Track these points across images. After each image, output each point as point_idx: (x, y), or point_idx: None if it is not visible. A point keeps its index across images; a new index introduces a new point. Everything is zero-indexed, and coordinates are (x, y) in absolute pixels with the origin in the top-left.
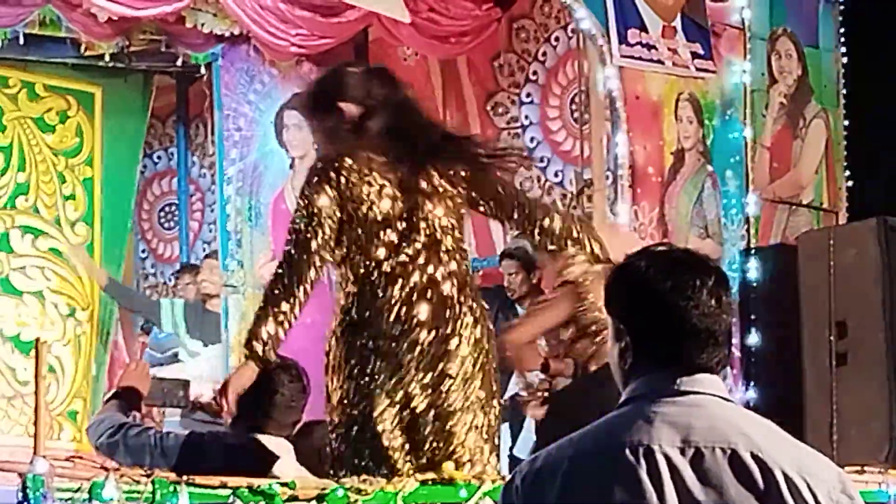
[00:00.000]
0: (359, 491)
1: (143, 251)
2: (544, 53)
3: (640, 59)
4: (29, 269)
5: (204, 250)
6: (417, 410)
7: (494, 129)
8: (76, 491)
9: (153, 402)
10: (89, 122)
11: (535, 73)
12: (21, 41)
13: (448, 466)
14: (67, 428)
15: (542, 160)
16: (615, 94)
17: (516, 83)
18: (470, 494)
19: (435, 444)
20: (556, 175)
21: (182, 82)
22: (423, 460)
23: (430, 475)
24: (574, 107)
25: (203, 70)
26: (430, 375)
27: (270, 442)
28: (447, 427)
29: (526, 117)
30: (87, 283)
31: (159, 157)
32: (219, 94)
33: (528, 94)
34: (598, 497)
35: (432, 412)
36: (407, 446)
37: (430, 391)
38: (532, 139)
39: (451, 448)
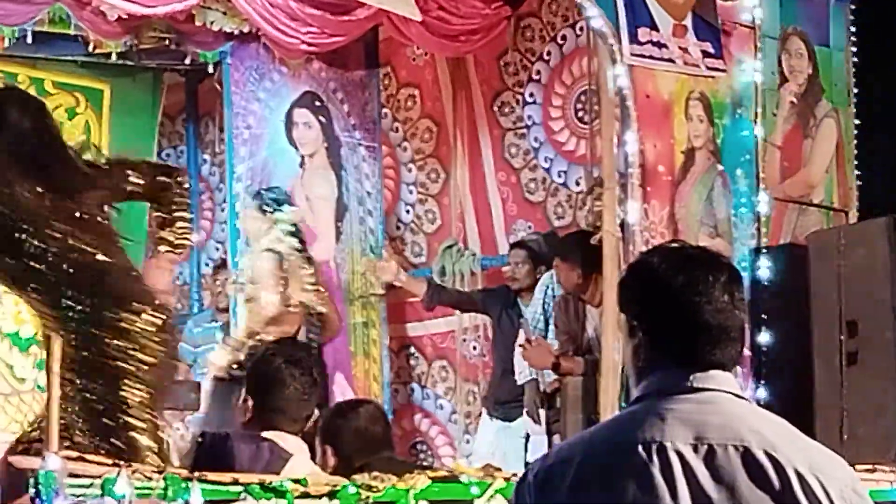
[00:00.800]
0: (370, 488)
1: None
2: (549, 52)
3: (650, 57)
4: None
5: (217, 249)
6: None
7: (500, 129)
8: (88, 487)
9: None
10: (97, 119)
11: (538, 72)
12: (30, 39)
13: (460, 464)
14: None
15: (546, 160)
16: (625, 93)
17: (520, 82)
18: (482, 491)
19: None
20: (559, 175)
21: (191, 80)
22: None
23: (442, 472)
24: (580, 105)
25: (212, 68)
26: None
27: (284, 440)
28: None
29: (529, 117)
30: None
31: (168, 155)
32: (228, 92)
33: (532, 94)
34: (610, 494)
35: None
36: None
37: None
38: (535, 139)
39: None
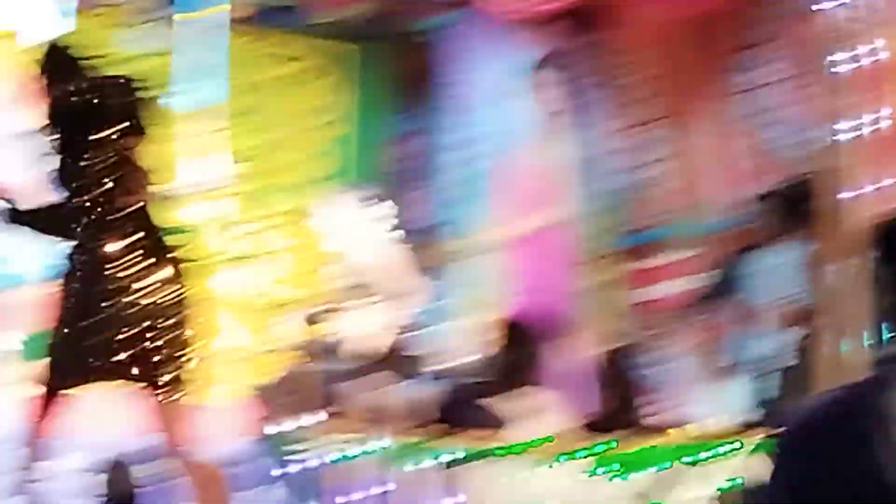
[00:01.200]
0: (616, 446)
1: None
2: (784, 11)
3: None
4: (279, 228)
5: (441, 213)
6: None
7: (737, 89)
8: (344, 444)
9: (414, 370)
10: (340, 83)
11: (775, 31)
12: (273, 7)
13: (702, 425)
14: None
15: (782, 121)
16: (867, 51)
17: (757, 41)
18: (730, 451)
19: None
20: (795, 136)
21: (421, 47)
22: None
23: (688, 432)
24: (820, 64)
25: (440, 34)
26: None
27: (530, 398)
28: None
29: (766, 77)
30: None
31: (399, 121)
32: (454, 59)
33: (769, 53)
34: (857, 460)
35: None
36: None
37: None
38: (772, 99)
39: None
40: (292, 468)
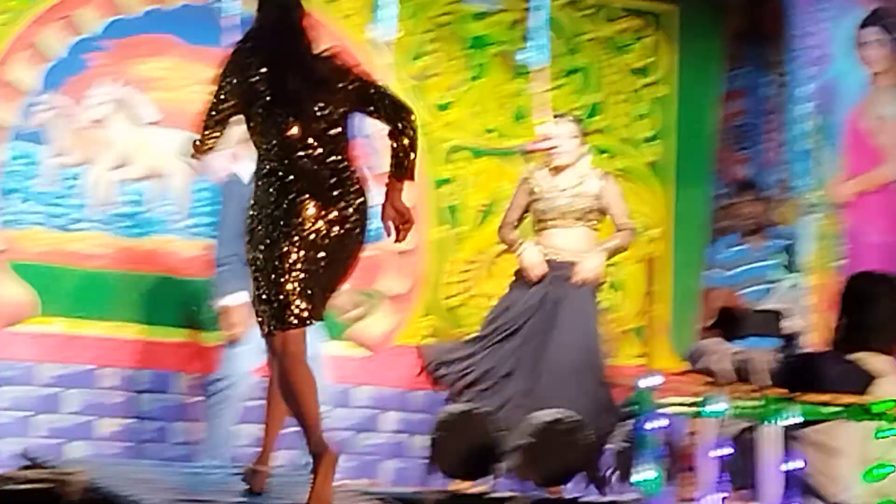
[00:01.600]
0: None
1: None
2: None
3: None
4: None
5: (775, 171)
6: None
7: None
8: (687, 405)
9: (747, 332)
10: (664, 41)
11: None
12: None
13: None
14: (631, 344)
15: None
16: None
17: None
18: None
19: None
20: None
21: (756, 1)
22: None
23: None
24: None
25: None
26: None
27: (872, 361)
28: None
29: None
30: (660, 201)
31: (730, 77)
32: (792, 12)
33: None
34: None
35: None
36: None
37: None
38: None
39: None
40: (635, 429)
